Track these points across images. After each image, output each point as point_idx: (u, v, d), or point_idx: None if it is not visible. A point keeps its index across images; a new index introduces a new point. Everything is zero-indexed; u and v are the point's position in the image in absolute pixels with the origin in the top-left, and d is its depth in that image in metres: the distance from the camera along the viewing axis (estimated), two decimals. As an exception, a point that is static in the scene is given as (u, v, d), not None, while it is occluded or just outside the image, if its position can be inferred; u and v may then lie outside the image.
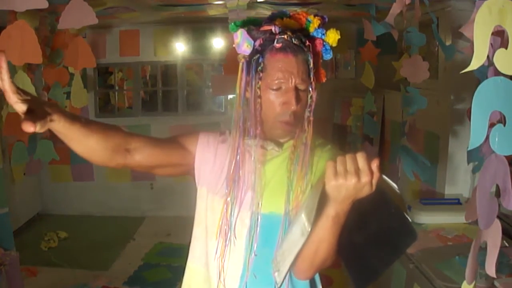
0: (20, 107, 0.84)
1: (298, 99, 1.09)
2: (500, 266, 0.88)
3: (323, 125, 4.98)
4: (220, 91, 3.93)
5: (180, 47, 5.12)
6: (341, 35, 1.16)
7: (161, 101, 5.30)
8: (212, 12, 3.75)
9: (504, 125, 0.77)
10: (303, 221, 0.97)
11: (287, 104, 1.09)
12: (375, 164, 0.91)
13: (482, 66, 0.85)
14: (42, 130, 0.88)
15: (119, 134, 1.10)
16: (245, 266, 1.15)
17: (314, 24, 1.15)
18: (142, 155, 1.12)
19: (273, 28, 1.10)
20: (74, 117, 0.99)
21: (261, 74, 1.11)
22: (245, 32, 1.10)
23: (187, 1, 3.39)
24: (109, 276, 3.74)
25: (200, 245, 1.23)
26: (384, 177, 0.99)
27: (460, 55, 2.40)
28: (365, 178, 0.91)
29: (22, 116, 0.83)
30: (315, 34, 1.15)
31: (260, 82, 1.11)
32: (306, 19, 1.16)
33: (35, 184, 5.04)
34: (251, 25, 1.15)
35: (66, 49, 3.08)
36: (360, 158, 0.91)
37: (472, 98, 0.82)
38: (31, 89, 2.82)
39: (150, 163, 1.15)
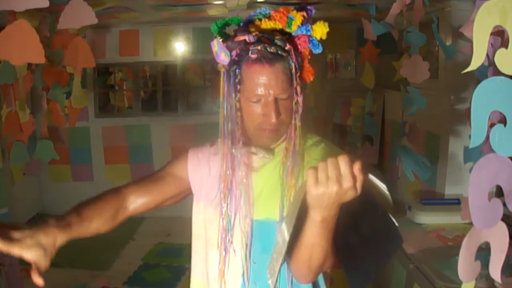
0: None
1: (278, 111, 1.05)
2: (500, 266, 0.87)
3: (323, 125, 4.99)
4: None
5: (180, 47, 5.11)
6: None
7: (161, 101, 5.30)
8: (212, 12, 3.75)
9: (505, 125, 0.77)
10: (283, 230, 0.95)
11: (267, 116, 1.06)
12: (357, 167, 0.85)
13: (482, 66, 0.85)
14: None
15: (112, 200, 1.18)
16: (244, 274, 1.14)
17: (296, 21, 1.07)
18: (138, 206, 1.20)
19: (247, 38, 1.03)
20: (71, 218, 1.08)
21: (239, 87, 1.07)
22: (221, 43, 1.06)
23: (187, 1, 3.39)
24: (109, 276, 3.74)
25: (201, 258, 1.23)
26: (372, 177, 0.96)
27: (461, 55, 2.39)
28: (347, 184, 0.85)
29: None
30: (298, 32, 1.07)
31: (239, 95, 1.07)
32: (288, 16, 1.08)
33: (35, 184, 5.05)
34: (234, 25, 1.10)
35: (65, 49, 3.08)
36: (342, 162, 0.85)
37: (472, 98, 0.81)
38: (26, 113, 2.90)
39: (149, 207, 1.22)
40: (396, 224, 1.02)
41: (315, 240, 0.95)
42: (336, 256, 1.02)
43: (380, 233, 1.04)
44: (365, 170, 0.88)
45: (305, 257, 0.99)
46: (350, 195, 0.87)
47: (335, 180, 0.85)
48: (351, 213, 0.95)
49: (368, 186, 0.92)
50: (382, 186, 0.98)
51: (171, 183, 1.23)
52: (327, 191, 0.86)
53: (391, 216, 1.01)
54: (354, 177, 0.86)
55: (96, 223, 1.12)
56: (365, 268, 1.07)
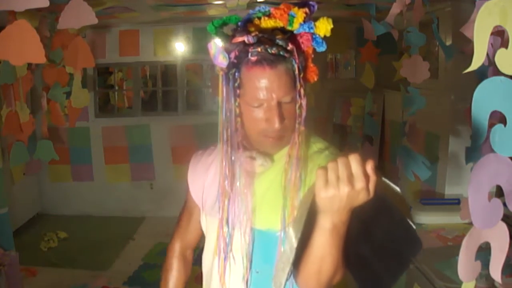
0: None
1: (281, 116, 0.99)
2: (500, 266, 0.87)
3: (323, 125, 4.99)
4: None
5: (180, 47, 5.11)
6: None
7: (161, 101, 5.29)
8: (212, 12, 3.75)
9: (505, 125, 0.77)
10: (290, 236, 0.88)
11: (270, 122, 1.00)
12: (369, 166, 0.78)
13: (482, 66, 0.85)
14: None
15: (179, 264, 1.44)
16: (246, 284, 1.11)
17: (298, 18, 1.00)
18: (192, 244, 1.41)
19: (246, 39, 0.96)
20: None
21: (238, 91, 1.00)
22: (219, 44, 1.00)
23: (187, 1, 3.39)
24: (109, 276, 3.74)
25: (207, 267, 1.21)
26: (385, 180, 0.90)
27: (461, 55, 2.39)
28: (359, 185, 0.78)
29: None
30: (301, 30, 1.00)
31: (238, 99, 1.01)
32: (289, 14, 1.00)
33: (35, 184, 5.04)
34: (232, 24, 1.05)
35: (65, 49, 3.08)
36: (354, 161, 0.78)
37: (472, 98, 0.82)
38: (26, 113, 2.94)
39: (199, 237, 1.36)
40: (414, 227, 0.95)
41: (325, 250, 0.88)
42: (348, 268, 0.95)
43: (398, 240, 0.97)
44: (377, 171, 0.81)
45: (315, 270, 0.91)
46: (362, 198, 0.80)
47: (346, 181, 0.78)
48: (364, 219, 0.88)
49: (381, 189, 0.85)
50: (396, 189, 0.92)
51: (199, 216, 1.28)
52: (338, 193, 0.78)
53: (408, 220, 0.94)
54: (367, 177, 0.79)
55: (184, 282, 1.39)
56: (381, 280, 1.00)
